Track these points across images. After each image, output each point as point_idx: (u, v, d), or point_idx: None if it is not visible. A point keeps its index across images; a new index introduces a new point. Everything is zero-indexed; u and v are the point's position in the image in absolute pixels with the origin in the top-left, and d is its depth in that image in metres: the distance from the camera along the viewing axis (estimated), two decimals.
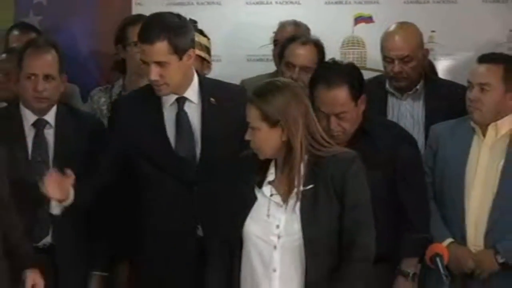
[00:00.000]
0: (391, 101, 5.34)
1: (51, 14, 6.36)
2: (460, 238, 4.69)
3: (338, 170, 3.75)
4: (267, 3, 6.18)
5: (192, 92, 4.47)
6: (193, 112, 4.46)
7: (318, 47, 5.40)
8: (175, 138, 4.44)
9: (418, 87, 5.33)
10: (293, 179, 3.75)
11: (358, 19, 6.34)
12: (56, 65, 4.71)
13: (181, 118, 4.46)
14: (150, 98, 4.45)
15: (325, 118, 4.42)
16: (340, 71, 4.54)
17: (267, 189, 3.82)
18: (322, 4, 6.36)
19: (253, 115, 3.76)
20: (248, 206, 3.82)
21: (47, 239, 4.65)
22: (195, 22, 4.91)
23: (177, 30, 4.33)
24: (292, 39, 5.49)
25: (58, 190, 4.19)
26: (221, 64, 5.85)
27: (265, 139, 3.76)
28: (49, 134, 4.73)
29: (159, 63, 4.30)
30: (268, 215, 3.79)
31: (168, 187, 4.39)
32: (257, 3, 6.18)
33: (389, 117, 5.26)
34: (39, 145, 4.71)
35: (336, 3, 6.38)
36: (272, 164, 3.83)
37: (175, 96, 4.43)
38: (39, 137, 4.72)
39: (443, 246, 4.17)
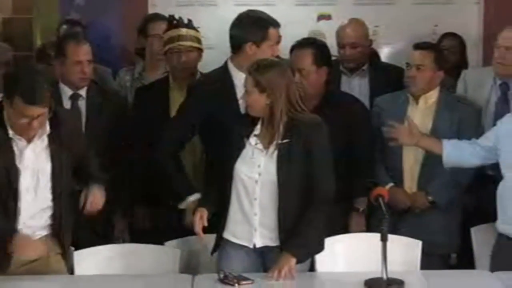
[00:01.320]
0: (344, 79, 5.20)
1: (87, 13, 6.17)
2: (399, 182, 4.58)
3: (309, 130, 3.72)
4: (250, 5, 6.03)
5: None
6: None
7: None
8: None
9: (364, 68, 5.21)
10: (273, 134, 3.72)
11: (320, 17, 6.27)
12: (91, 52, 4.61)
13: None
14: (224, 79, 4.29)
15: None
16: (311, 40, 4.69)
17: (253, 139, 3.78)
18: (293, 6, 6.27)
19: (248, 81, 3.75)
20: (239, 151, 3.78)
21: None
22: (190, 21, 4.77)
23: None
24: None
25: None
26: (215, 51, 5.59)
27: (254, 100, 3.73)
28: (82, 105, 4.62)
29: None
30: (252, 158, 3.75)
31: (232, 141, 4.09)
32: (243, 5, 6.05)
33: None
34: None
35: (303, 5, 6.27)
36: (260, 122, 3.78)
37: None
38: (74, 107, 4.61)
39: (385, 189, 3.99)
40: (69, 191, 3.87)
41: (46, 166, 3.75)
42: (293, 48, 4.55)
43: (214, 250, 3.89)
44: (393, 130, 4.26)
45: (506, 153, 4.02)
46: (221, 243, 3.86)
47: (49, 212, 3.81)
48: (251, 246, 3.79)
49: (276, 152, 3.73)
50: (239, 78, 4.17)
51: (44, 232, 3.82)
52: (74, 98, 4.60)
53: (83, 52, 4.56)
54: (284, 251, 3.69)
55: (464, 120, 4.51)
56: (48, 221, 3.83)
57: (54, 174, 3.77)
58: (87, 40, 4.65)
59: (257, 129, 3.80)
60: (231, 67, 4.29)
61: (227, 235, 3.84)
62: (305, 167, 3.72)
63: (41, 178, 3.75)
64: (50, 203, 3.80)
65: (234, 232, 3.82)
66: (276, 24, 4.31)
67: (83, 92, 4.61)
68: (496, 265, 3.98)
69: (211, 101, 4.20)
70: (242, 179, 3.77)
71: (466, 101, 4.69)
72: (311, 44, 4.54)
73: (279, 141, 3.72)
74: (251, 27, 4.26)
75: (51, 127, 3.73)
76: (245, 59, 4.18)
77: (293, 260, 3.67)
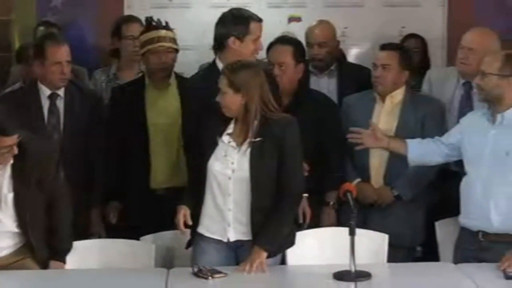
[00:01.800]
0: (313, 78, 5.22)
1: (64, 14, 6.16)
2: (366, 177, 4.58)
3: (281, 129, 3.73)
4: (224, 7, 6.06)
5: None
6: None
7: None
8: None
9: (332, 68, 5.25)
10: (247, 132, 3.73)
11: (291, 19, 6.32)
12: (69, 53, 4.59)
13: None
14: (215, 77, 4.14)
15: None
16: (290, 38, 4.84)
17: (226, 137, 3.77)
18: (265, 8, 6.27)
19: (223, 82, 3.75)
20: (212, 149, 3.78)
21: None
22: (167, 23, 4.75)
23: None
24: None
25: None
26: (191, 52, 5.72)
27: (229, 101, 3.72)
28: (60, 104, 4.61)
29: None
30: (225, 156, 3.75)
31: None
32: (217, 7, 6.10)
33: None
34: (53, 113, 4.60)
35: (275, 7, 6.31)
36: (232, 121, 3.79)
37: None
38: (52, 106, 4.60)
39: (353, 184, 4.04)
40: (37, 216, 3.80)
41: (8, 196, 3.71)
42: (272, 45, 4.65)
43: (188, 245, 3.90)
44: (358, 135, 4.28)
45: (468, 150, 4.04)
46: (195, 238, 3.86)
47: (16, 235, 3.78)
48: (225, 241, 3.80)
49: (249, 150, 3.73)
50: None
51: (12, 250, 3.79)
52: (52, 97, 4.59)
53: (62, 53, 4.54)
54: (256, 246, 3.71)
55: (429, 117, 4.53)
56: (16, 241, 3.79)
57: (17, 204, 3.73)
58: (67, 41, 4.63)
59: (230, 128, 3.80)
60: (220, 65, 4.26)
61: (201, 229, 3.84)
62: (277, 165, 3.73)
63: (3, 206, 3.71)
64: (15, 229, 3.77)
65: (209, 227, 3.82)
66: (257, 19, 4.30)
67: (61, 91, 4.59)
68: (459, 257, 4.02)
69: (205, 100, 4.15)
70: (215, 176, 3.77)
71: (431, 99, 4.71)
72: (291, 41, 4.68)
73: (252, 140, 3.73)
74: (233, 23, 4.26)
75: (15, 158, 3.66)
76: (231, 55, 4.19)
77: (264, 254, 3.69)
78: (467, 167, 4.05)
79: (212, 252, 3.83)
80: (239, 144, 3.76)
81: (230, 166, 3.75)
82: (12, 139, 3.57)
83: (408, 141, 4.26)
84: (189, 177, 4.21)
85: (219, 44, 4.28)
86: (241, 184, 3.74)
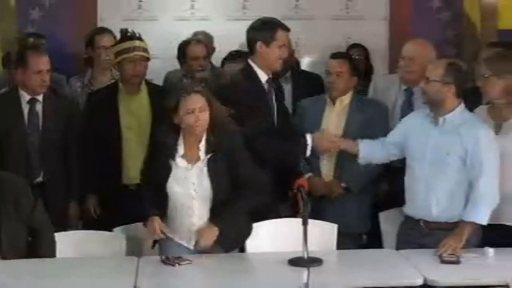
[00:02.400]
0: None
1: (42, 26, 6.08)
2: (317, 172, 4.57)
3: (227, 141, 3.71)
4: (188, 20, 6.12)
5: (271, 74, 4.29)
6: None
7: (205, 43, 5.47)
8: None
9: (287, 75, 5.26)
10: (197, 151, 3.69)
11: None
12: (49, 62, 4.57)
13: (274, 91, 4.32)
14: (253, 78, 4.21)
15: None
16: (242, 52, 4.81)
17: (179, 160, 3.73)
18: (224, 21, 6.26)
19: (202, 100, 3.67)
20: (168, 172, 3.71)
21: (39, 179, 4.52)
22: (140, 34, 4.73)
23: None
24: (187, 43, 5.46)
25: None
26: (158, 61, 5.65)
27: (207, 117, 3.68)
28: (39, 108, 4.58)
29: None
30: (185, 178, 3.70)
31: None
32: (181, 19, 6.14)
33: None
34: (32, 116, 4.57)
35: (235, 20, 6.25)
36: (180, 142, 3.72)
37: (266, 77, 4.23)
38: (32, 110, 4.57)
39: (305, 179, 3.99)
40: (17, 247, 3.74)
41: None
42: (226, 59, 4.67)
43: (154, 244, 3.85)
44: (314, 141, 4.25)
45: (411, 148, 4.05)
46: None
47: None
48: (192, 248, 3.80)
49: (205, 168, 3.70)
50: (261, 76, 4.20)
51: None
52: (32, 102, 4.56)
53: (43, 62, 4.51)
54: (210, 222, 3.72)
55: (373, 119, 4.53)
56: None
57: None
58: (46, 52, 4.61)
59: (181, 150, 3.74)
60: (255, 67, 4.25)
61: (169, 233, 3.80)
62: (231, 173, 3.72)
63: None
64: None
65: (175, 234, 3.81)
66: (285, 28, 4.27)
67: (39, 97, 4.56)
68: (402, 242, 4.04)
69: (251, 96, 4.15)
70: (178, 198, 3.74)
71: (375, 102, 4.73)
72: (244, 54, 4.61)
73: (207, 157, 3.70)
74: (261, 29, 4.25)
75: None
76: (260, 58, 4.21)
77: (215, 230, 3.69)
78: (411, 162, 4.06)
79: (178, 252, 3.78)
80: (193, 164, 3.72)
81: (191, 187, 3.72)
82: None
83: (359, 141, 4.27)
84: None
85: (250, 48, 4.28)
86: (204, 201, 3.73)
